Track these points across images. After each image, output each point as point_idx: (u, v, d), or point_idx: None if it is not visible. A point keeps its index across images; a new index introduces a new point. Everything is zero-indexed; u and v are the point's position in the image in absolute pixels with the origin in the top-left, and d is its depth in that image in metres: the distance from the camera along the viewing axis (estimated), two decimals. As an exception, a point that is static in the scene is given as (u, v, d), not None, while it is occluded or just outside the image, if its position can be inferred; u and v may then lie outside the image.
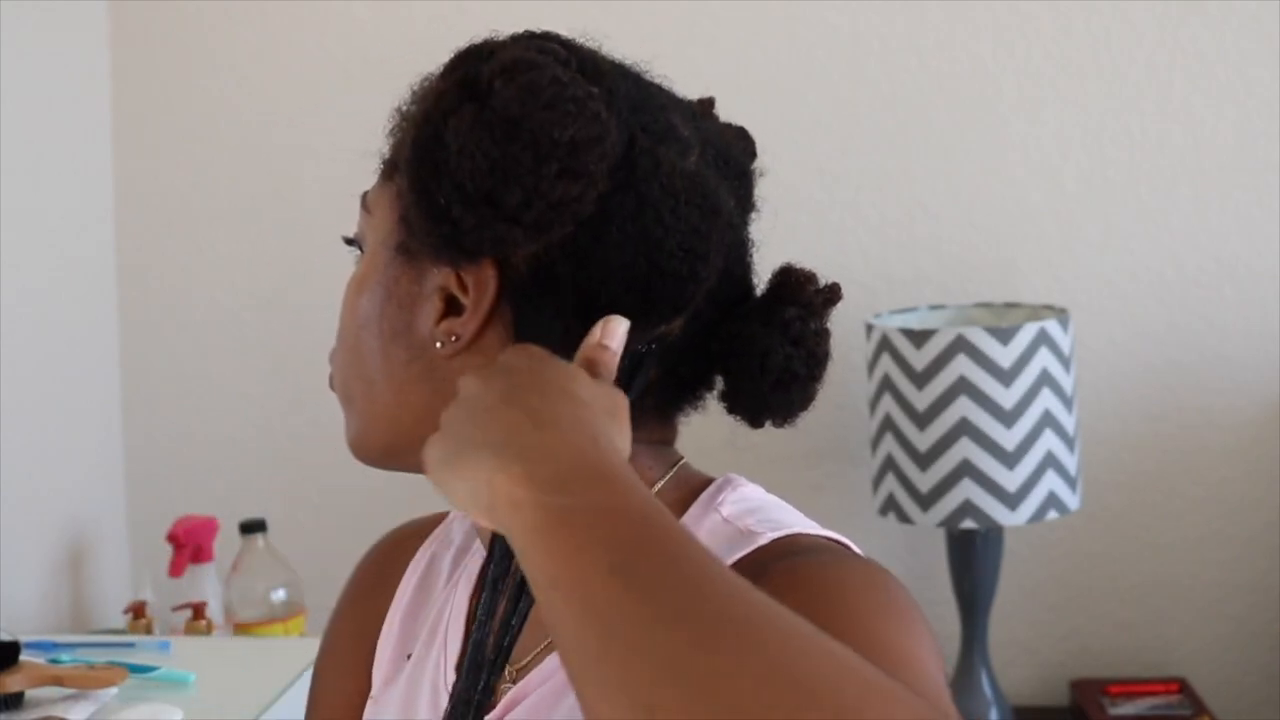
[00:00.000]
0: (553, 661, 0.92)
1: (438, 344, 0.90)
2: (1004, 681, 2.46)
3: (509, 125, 0.83)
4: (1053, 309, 2.40)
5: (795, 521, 0.90)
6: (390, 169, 0.93)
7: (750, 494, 0.93)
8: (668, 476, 0.94)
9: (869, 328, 2.38)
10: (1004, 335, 2.26)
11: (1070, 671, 2.56)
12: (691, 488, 0.94)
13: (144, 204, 2.66)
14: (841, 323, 2.58)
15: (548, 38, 0.91)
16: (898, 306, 2.50)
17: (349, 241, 0.97)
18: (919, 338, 2.29)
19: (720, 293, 0.90)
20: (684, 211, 0.87)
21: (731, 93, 2.56)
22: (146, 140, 2.65)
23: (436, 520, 1.09)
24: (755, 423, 0.96)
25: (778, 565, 0.83)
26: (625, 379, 0.86)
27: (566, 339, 0.85)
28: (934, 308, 2.48)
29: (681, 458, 0.96)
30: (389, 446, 0.95)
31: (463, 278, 0.88)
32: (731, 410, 0.95)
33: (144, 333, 2.67)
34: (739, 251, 0.93)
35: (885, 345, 2.32)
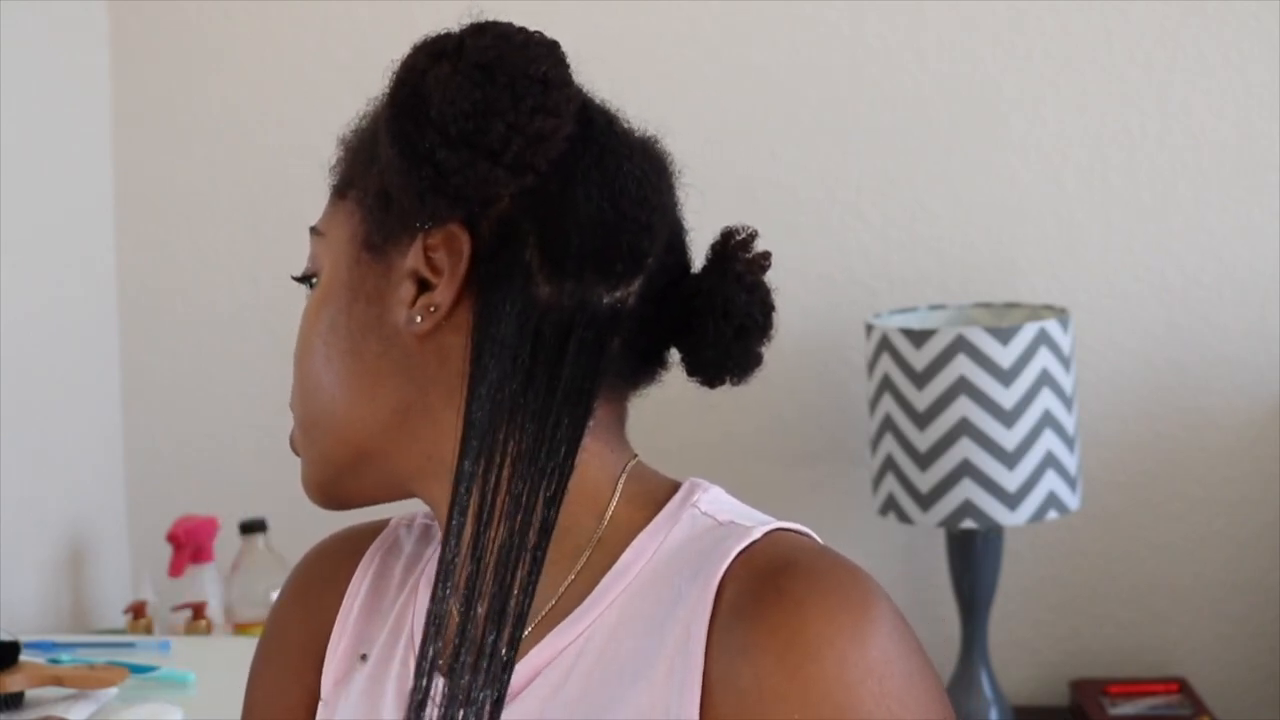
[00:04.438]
0: (543, 652, 0.91)
1: (416, 319, 0.92)
2: (1004, 681, 2.46)
3: (486, 70, 0.89)
4: (1053, 309, 2.40)
5: (771, 518, 0.93)
6: (342, 188, 0.97)
7: (722, 495, 0.96)
8: (627, 469, 0.96)
9: (869, 328, 2.38)
10: (1004, 335, 2.26)
11: (1070, 671, 2.56)
12: (656, 484, 0.96)
13: (144, 204, 2.66)
14: (841, 323, 2.59)
15: None
16: (898, 306, 2.50)
17: (300, 279, 1.00)
18: (919, 338, 2.29)
19: (666, 267, 0.95)
20: (639, 162, 0.94)
21: (732, 93, 2.59)
22: (146, 140, 2.65)
23: (379, 526, 1.09)
24: (714, 381, 0.99)
25: (774, 590, 0.86)
26: (593, 343, 0.90)
27: (533, 306, 0.89)
28: (934, 308, 2.48)
29: (635, 454, 0.98)
30: (361, 455, 0.96)
31: (431, 257, 0.91)
32: (692, 372, 0.98)
33: (144, 333, 2.67)
34: (677, 230, 0.97)
35: (885, 345, 2.32)
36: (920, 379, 2.28)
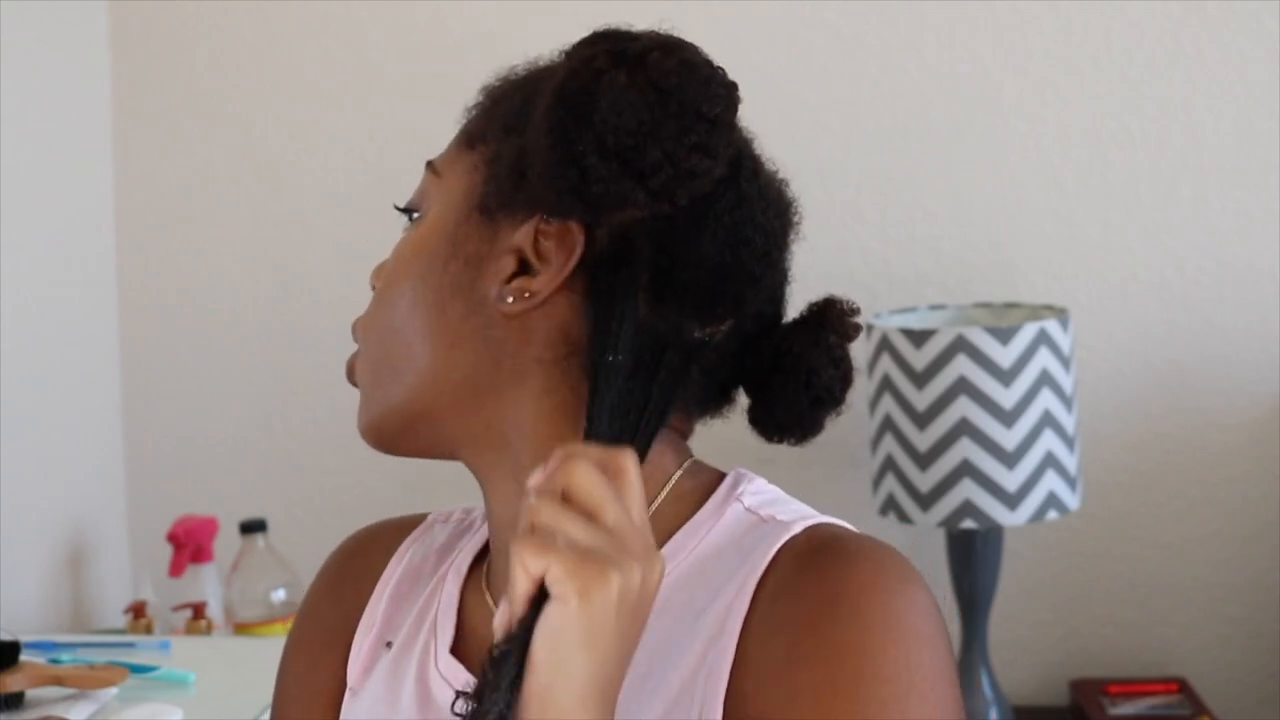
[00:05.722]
0: None
1: (508, 299, 0.92)
2: (1004, 681, 2.46)
3: (663, 93, 0.89)
4: (1053, 309, 2.40)
5: (814, 512, 0.95)
6: (472, 138, 0.96)
7: (765, 487, 0.98)
8: (683, 467, 0.98)
9: (869, 328, 2.38)
10: (1004, 335, 2.26)
11: (1070, 671, 2.56)
12: (707, 479, 0.98)
13: (144, 204, 2.66)
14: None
15: None
16: (898, 306, 2.50)
17: (403, 210, 0.99)
18: (919, 338, 2.29)
19: (761, 314, 0.97)
20: (771, 215, 0.96)
21: (731, 93, 2.56)
22: (146, 140, 2.65)
23: (416, 520, 1.09)
24: (774, 438, 1.01)
25: (812, 568, 0.87)
26: (678, 368, 0.91)
27: (637, 327, 0.90)
28: (934, 308, 2.48)
29: (692, 454, 1.00)
30: (423, 411, 0.95)
31: (541, 243, 0.91)
32: (755, 422, 1.00)
33: (144, 333, 2.67)
34: (781, 281, 1.00)
35: (885, 345, 2.32)
36: (920, 379, 2.28)
